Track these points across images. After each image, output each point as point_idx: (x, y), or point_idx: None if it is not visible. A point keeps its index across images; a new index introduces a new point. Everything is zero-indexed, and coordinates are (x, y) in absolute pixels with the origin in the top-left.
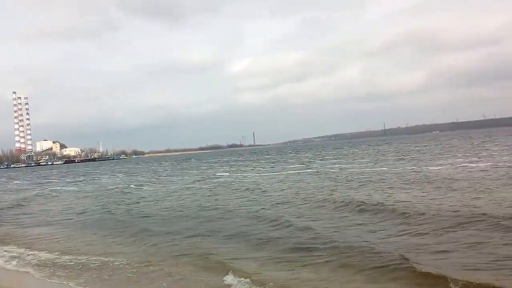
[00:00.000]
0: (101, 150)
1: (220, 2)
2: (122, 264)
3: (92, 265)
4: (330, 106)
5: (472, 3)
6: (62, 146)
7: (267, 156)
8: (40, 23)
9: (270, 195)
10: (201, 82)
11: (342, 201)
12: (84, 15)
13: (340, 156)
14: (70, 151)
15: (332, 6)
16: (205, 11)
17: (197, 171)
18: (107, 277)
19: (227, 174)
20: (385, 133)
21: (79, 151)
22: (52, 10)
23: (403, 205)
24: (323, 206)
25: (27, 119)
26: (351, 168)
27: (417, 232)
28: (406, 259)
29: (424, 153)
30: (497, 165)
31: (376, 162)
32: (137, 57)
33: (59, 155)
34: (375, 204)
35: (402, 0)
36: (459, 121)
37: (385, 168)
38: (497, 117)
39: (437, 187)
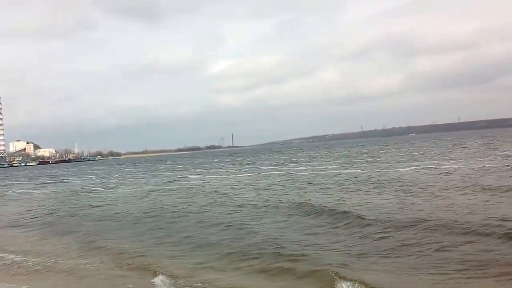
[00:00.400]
0: (76, 151)
1: (199, 3)
2: (93, 266)
3: (61, 268)
4: (309, 108)
5: (447, 8)
6: (36, 147)
7: (242, 158)
8: (13, 22)
9: (234, 198)
10: (180, 83)
11: (301, 204)
12: (59, 13)
13: (314, 158)
14: (44, 152)
15: (311, 8)
16: (184, 11)
17: (171, 173)
18: (77, 279)
19: (199, 176)
20: (363, 135)
21: (54, 152)
22: (26, 8)
23: (358, 208)
24: (282, 209)
25: (0, 119)
26: (322, 171)
27: (363, 237)
28: (342, 265)
29: (393, 155)
30: (458, 168)
31: (347, 164)
32: (114, 57)
33: (33, 156)
34: (332, 208)
35: (379, 3)
36: (436, 123)
37: (355, 171)
38: (473, 120)
39: (395, 190)
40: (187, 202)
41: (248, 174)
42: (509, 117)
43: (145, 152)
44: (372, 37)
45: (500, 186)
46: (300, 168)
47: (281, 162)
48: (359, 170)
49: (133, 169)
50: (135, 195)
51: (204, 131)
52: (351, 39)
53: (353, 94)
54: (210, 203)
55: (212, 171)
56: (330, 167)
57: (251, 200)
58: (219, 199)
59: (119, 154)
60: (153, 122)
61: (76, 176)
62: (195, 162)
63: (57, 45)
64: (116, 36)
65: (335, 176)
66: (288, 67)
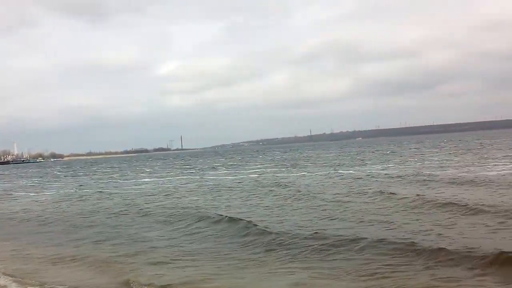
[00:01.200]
0: (15, 152)
1: (145, 3)
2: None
3: None
4: (258, 111)
5: (392, 17)
6: None
7: (184, 162)
8: None
9: (144, 206)
10: (127, 84)
11: (200, 211)
12: None
13: (251, 162)
14: None
15: (260, 11)
16: (130, 11)
17: (102, 177)
18: None
19: (124, 180)
20: (311, 139)
21: None
22: None
23: (250, 216)
24: (177, 217)
25: None
26: (250, 175)
27: (237, 244)
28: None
29: (324, 161)
30: (375, 173)
31: (278, 168)
32: (57, 55)
33: None
34: (221, 214)
35: (326, 10)
36: (381, 128)
37: (281, 175)
38: (416, 125)
39: (293, 195)
40: (97, 211)
41: (179, 177)
42: (451, 122)
43: (89, 154)
44: (320, 43)
45: (399, 193)
46: (231, 171)
47: (219, 165)
48: (285, 175)
49: (68, 173)
50: (49, 201)
51: (152, 133)
52: (300, 44)
53: (302, 98)
54: (119, 211)
55: (144, 175)
56: (259, 170)
57: (157, 208)
58: (128, 207)
59: (62, 156)
60: (99, 123)
61: (4, 181)
62: (134, 164)
63: None
64: (59, 34)
65: (256, 181)
66: (237, 70)
